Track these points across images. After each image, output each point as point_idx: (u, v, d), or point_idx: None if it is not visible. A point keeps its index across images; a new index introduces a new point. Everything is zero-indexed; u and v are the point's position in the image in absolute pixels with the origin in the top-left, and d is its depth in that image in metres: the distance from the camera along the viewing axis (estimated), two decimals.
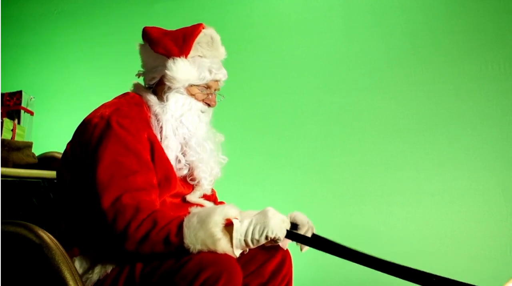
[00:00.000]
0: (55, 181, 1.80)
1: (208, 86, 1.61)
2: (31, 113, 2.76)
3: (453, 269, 2.31)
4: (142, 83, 1.65)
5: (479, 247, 2.38)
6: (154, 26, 1.63)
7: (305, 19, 2.76)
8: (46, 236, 1.35)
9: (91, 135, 1.42)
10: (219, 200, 1.86)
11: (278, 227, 1.35)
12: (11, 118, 2.62)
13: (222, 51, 1.64)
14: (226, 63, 2.82)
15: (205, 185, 1.63)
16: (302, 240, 1.48)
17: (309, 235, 1.64)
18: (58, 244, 1.35)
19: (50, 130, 2.95)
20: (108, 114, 1.44)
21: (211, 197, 1.77)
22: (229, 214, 1.35)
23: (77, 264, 1.41)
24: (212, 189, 1.81)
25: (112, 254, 1.40)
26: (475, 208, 2.41)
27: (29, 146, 2.16)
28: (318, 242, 1.41)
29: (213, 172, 1.64)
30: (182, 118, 1.56)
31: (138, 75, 1.66)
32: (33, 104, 2.79)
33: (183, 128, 1.56)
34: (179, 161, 1.56)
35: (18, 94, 2.71)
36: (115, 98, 1.59)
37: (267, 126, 2.73)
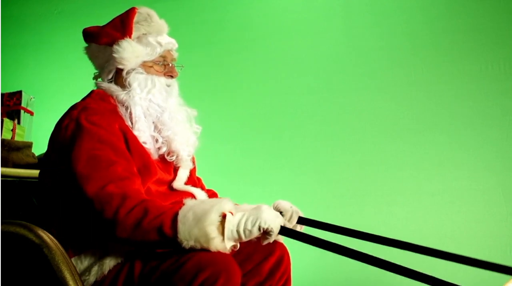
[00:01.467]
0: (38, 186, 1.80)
1: (163, 59, 1.62)
2: (31, 113, 2.76)
3: (453, 269, 2.31)
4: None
5: (479, 247, 2.38)
6: (90, 26, 1.65)
7: (305, 19, 2.76)
8: (46, 236, 1.35)
9: (63, 138, 1.43)
10: (206, 188, 1.85)
11: (271, 219, 1.34)
12: (11, 118, 2.62)
13: (163, 24, 1.66)
14: (225, 63, 2.83)
15: (185, 156, 1.62)
16: (297, 236, 1.44)
17: (295, 219, 1.67)
18: (58, 244, 1.35)
19: (50, 131, 2.93)
20: (76, 115, 1.45)
21: (198, 184, 1.76)
22: (224, 208, 1.33)
23: None
24: (198, 177, 1.81)
25: (108, 255, 1.40)
26: (475, 208, 2.41)
27: (29, 146, 2.16)
28: (312, 239, 1.40)
29: (189, 141, 1.64)
30: (150, 96, 1.56)
31: (95, 77, 1.67)
32: (33, 104, 2.79)
33: (154, 106, 1.56)
34: (156, 140, 1.56)
35: (18, 94, 2.71)
36: (81, 99, 1.60)
37: (267, 126, 2.73)
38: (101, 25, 1.64)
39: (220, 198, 1.54)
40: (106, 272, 1.38)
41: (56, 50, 3.07)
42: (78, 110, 1.47)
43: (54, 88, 3.03)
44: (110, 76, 1.61)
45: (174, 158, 1.60)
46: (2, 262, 1.36)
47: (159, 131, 1.57)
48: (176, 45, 1.66)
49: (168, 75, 1.63)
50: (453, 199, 2.44)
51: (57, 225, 1.46)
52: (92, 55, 1.66)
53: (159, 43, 1.60)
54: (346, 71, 2.66)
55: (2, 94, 2.70)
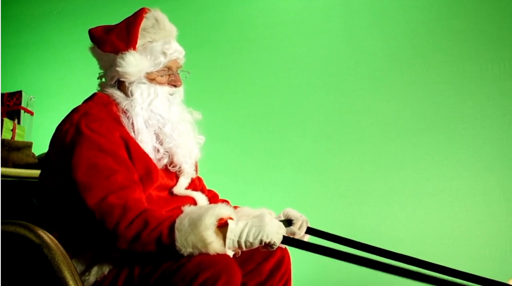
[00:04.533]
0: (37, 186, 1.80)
1: (168, 69, 1.58)
2: (31, 113, 2.76)
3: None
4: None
5: (479, 247, 2.38)
6: (98, 26, 1.62)
7: (305, 19, 2.76)
8: (46, 236, 1.35)
9: (63, 143, 1.42)
10: (207, 188, 1.84)
11: (274, 233, 1.32)
12: (11, 118, 2.62)
13: (171, 29, 1.61)
14: (226, 63, 2.84)
15: (187, 168, 1.61)
16: (299, 245, 1.45)
17: (304, 228, 1.67)
18: (58, 244, 1.35)
19: (50, 130, 2.91)
20: (77, 120, 1.43)
21: (198, 186, 1.75)
22: (222, 214, 1.33)
23: None
24: (199, 177, 1.80)
25: (108, 255, 1.40)
26: (475, 208, 2.41)
27: (29, 146, 2.15)
28: (314, 247, 1.41)
29: (192, 153, 1.62)
30: (151, 107, 1.54)
31: (100, 77, 1.65)
32: (33, 104, 2.79)
33: (156, 116, 1.54)
34: (158, 151, 1.54)
35: (18, 94, 2.71)
36: (83, 101, 1.58)
37: (267, 126, 2.73)
38: (107, 25, 1.60)
39: (218, 203, 1.54)
40: (106, 272, 1.38)
41: (56, 50, 3.07)
42: (79, 115, 1.45)
43: (54, 88, 3.03)
44: (113, 82, 1.58)
45: (176, 168, 1.59)
46: (3, 262, 1.36)
47: (161, 142, 1.55)
48: (183, 53, 1.61)
49: (171, 85, 1.60)
50: (453, 199, 2.44)
51: (57, 225, 1.46)
52: (96, 56, 1.64)
53: (164, 54, 1.55)
54: (346, 71, 2.66)
55: (2, 94, 2.71)
